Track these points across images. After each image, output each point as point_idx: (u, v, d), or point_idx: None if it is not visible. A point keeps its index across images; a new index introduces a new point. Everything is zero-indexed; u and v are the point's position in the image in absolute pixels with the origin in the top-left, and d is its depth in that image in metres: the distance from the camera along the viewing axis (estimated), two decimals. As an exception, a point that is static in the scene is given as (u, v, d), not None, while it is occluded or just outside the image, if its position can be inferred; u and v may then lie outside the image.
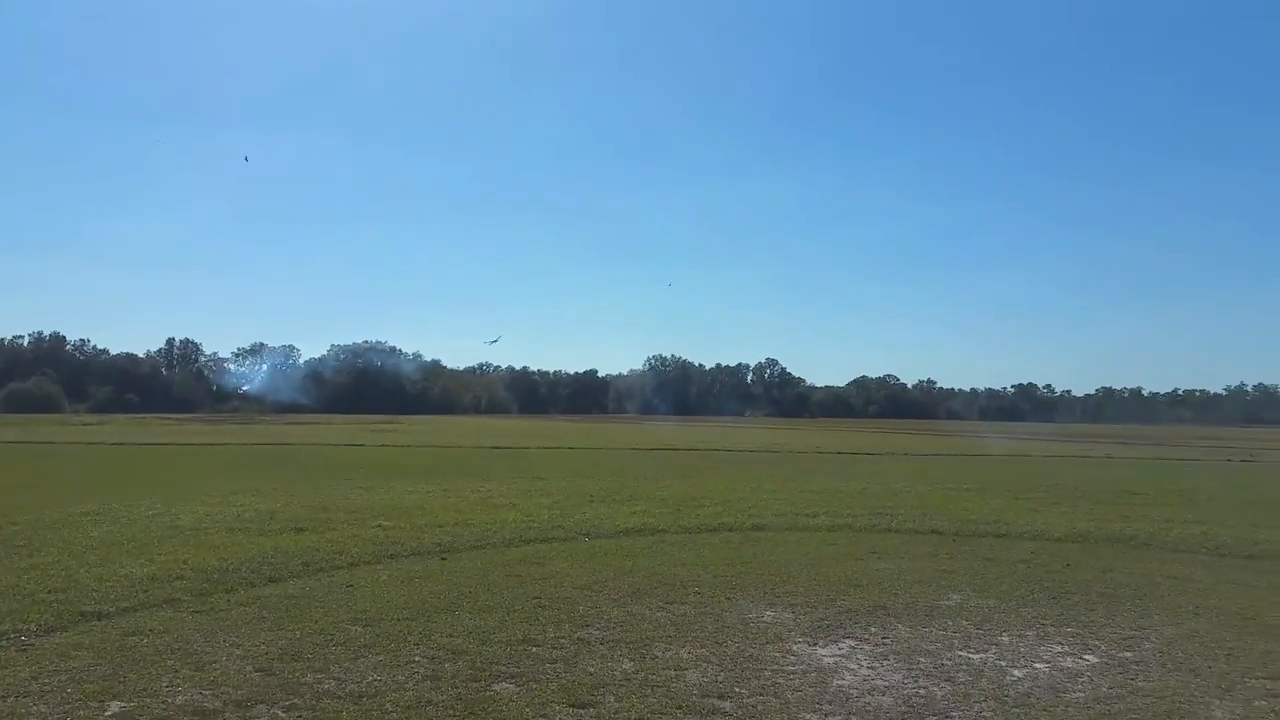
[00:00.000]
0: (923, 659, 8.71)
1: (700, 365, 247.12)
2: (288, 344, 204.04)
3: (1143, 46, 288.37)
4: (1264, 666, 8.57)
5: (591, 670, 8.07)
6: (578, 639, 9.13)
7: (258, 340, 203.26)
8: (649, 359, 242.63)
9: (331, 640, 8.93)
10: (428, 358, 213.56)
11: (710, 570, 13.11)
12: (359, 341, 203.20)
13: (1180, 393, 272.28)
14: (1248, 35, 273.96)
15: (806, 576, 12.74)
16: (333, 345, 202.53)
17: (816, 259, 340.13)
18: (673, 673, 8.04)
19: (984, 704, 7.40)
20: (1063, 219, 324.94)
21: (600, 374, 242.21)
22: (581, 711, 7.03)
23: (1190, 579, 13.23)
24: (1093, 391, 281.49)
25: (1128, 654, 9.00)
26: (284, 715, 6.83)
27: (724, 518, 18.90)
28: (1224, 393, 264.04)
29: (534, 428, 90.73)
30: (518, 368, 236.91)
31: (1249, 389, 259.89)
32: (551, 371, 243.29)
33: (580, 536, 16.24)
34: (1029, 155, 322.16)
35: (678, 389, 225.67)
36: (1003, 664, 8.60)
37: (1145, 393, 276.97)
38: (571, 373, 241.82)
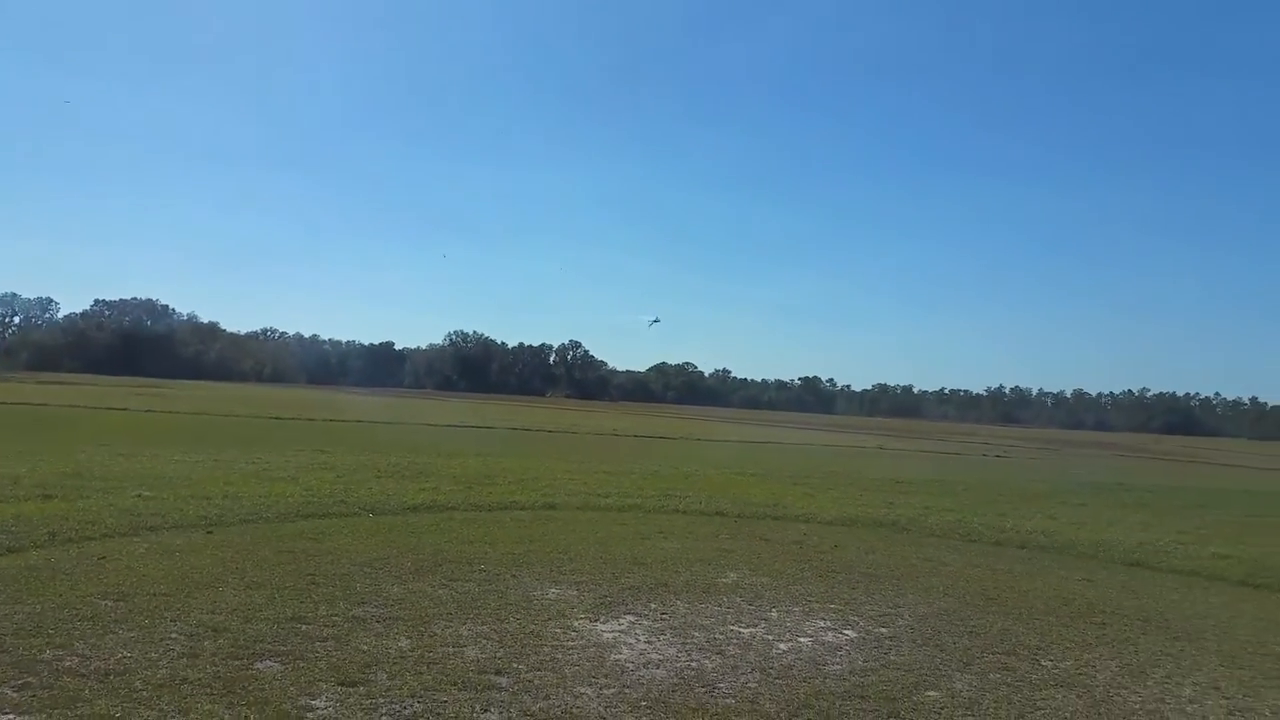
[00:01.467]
0: (697, 633, 8.98)
1: (503, 343, 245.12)
2: (44, 296, 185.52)
3: (893, 59, 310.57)
4: (1001, 642, 9.40)
5: (364, 648, 7.78)
6: (352, 617, 8.78)
7: (9, 290, 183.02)
8: (450, 334, 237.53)
9: (77, 615, 8.16)
10: (204, 319, 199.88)
11: (498, 548, 12.97)
12: (128, 298, 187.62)
13: (946, 391, 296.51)
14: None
15: (593, 555, 12.87)
16: (97, 300, 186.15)
17: (618, 245, 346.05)
18: (451, 649, 7.88)
19: (750, 675, 7.72)
20: (853, 221, 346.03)
21: (398, 347, 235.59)
22: (350, 690, 6.76)
23: (943, 562, 14.37)
24: (869, 387, 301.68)
25: (883, 630, 9.65)
26: (15, 695, 6.16)
27: (516, 496, 18.79)
28: (984, 393, 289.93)
29: (321, 399, 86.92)
30: (306, 335, 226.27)
31: (1006, 390, 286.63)
32: (344, 341, 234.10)
33: (364, 512, 15.67)
34: (820, 161, 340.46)
35: (479, 366, 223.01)
36: (770, 638, 9.01)
37: (916, 390, 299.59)
38: (366, 343, 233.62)
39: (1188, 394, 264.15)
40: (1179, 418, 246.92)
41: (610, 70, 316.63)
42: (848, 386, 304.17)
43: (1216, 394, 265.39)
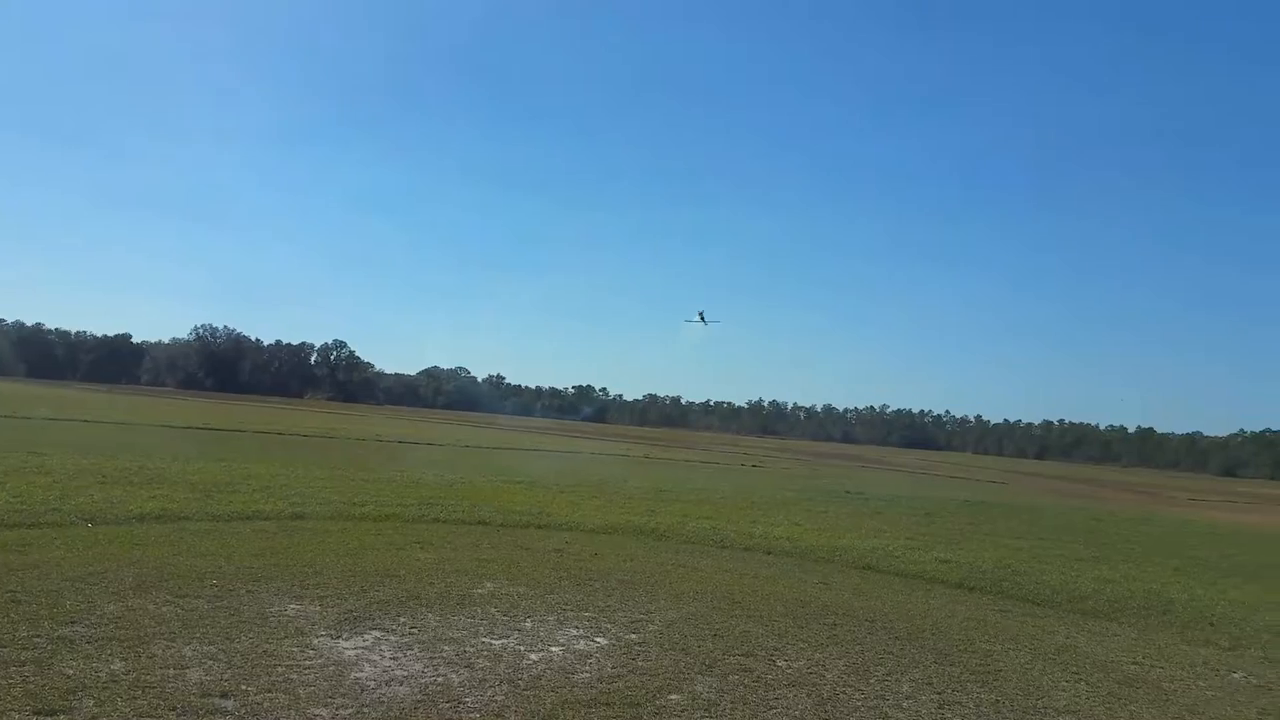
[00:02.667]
0: (447, 647, 8.75)
1: (258, 340, 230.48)
2: None
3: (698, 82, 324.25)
4: (742, 644, 9.82)
5: (69, 672, 6.99)
6: (58, 637, 7.88)
7: None
8: (197, 327, 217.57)
9: None
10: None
11: (235, 561, 12.09)
12: None
13: (711, 403, 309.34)
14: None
15: (342, 567, 12.28)
16: None
17: (391, 243, 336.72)
18: (171, 672, 7.23)
19: (498, 688, 7.61)
20: (634, 229, 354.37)
21: (136, 339, 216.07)
22: (49, 719, 6.06)
23: (696, 567, 14.89)
24: (640, 397, 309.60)
25: (633, 636, 9.82)
26: None
27: (261, 505, 17.66)
28: (746, 406, 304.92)
29: (41, 394, 78.20)
30: (28, 323, 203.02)
31: (765, 404, 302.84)
32: (73, 332, 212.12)
33: (82, 521, 14.18)
34: (605, 166, 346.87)
35: (229, 364, 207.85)
36: (522, 648, 8.93)
37: (684, 401, 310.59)
38: (99, 335, 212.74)
39: (922, 411, 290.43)
40: (915, 433, 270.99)
41: (387, 70, 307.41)
42: (620, 396, 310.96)
43: (947, 411, 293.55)
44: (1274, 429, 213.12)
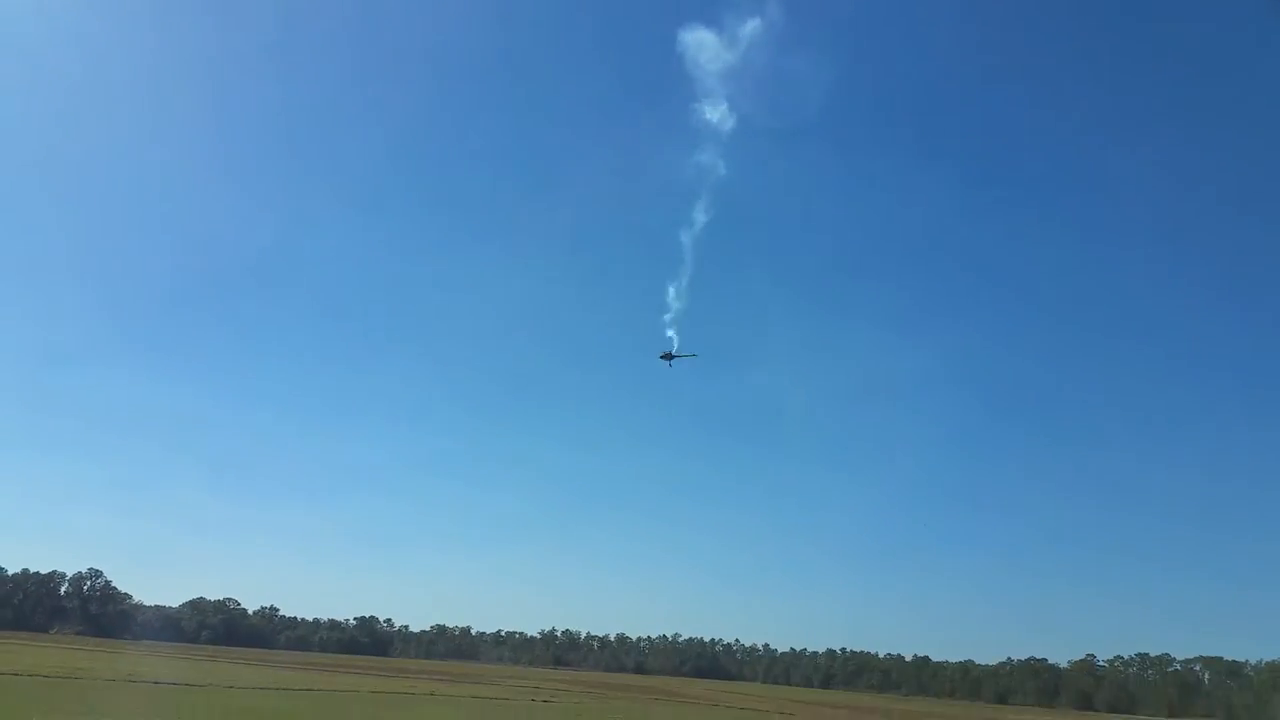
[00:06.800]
0: None
1: (1, 569, 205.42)
2: None
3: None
4: None
5: None
6: None
7: None
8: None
9: None
10: None
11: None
12: None
13: (503, 633, 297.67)
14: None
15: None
16: None
17: (156, 464, 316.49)
18: None
19: None
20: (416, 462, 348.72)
21: None
22: None
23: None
24: (428, 628, 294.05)
25: None
26: None
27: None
28: (538, 636, 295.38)
29: None
30: None
31: (558, 634, 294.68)
32: None
33: None
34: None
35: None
36: None
37: (474, 631, 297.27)
38: None
39: (713, 639, 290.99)
40: (707, 661, 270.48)
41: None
42: (406, 627, 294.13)
43: (736, 640, 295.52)
44: (1038, 657, 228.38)
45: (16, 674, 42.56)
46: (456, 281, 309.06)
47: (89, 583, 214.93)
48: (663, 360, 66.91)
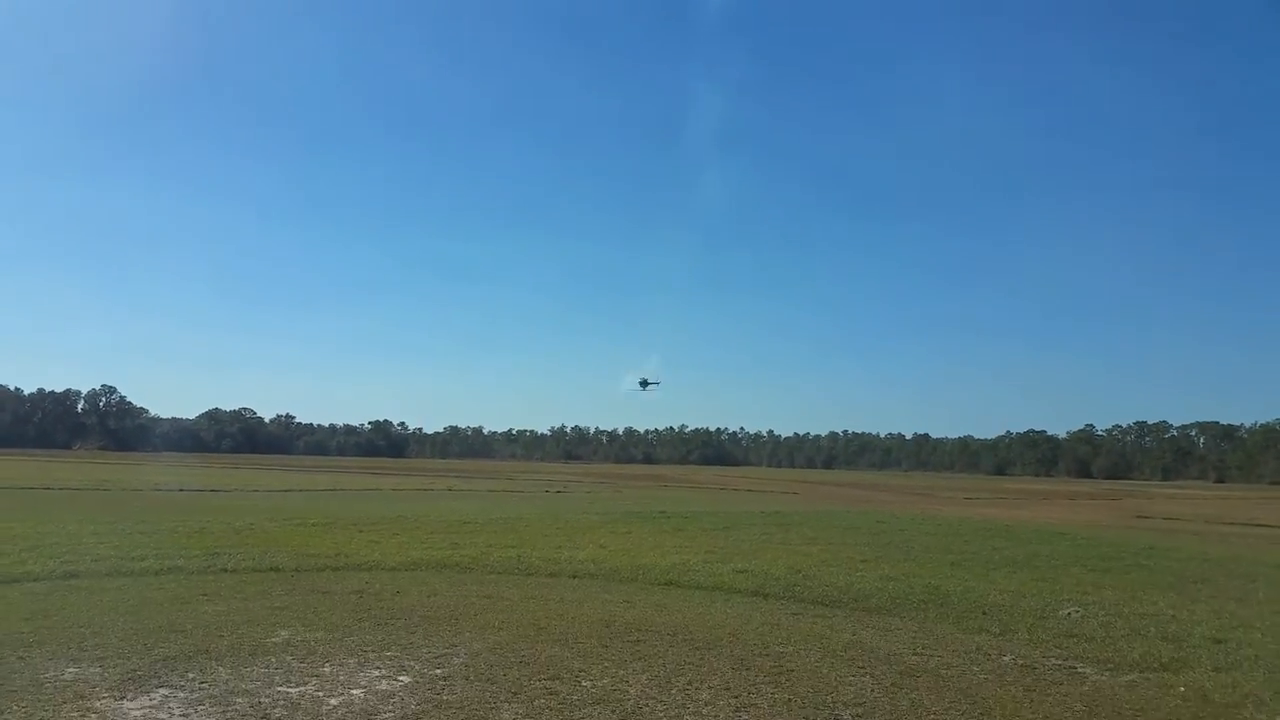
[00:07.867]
0: (240, 700, 8.30)
1: (17, 389, 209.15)
2: None
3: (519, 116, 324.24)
4: (548, 669, 9.85)
5: None
6: None
7: None
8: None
9: None
10: None
11: (1, 627, 11.02)
12: None
13: (514, 432, 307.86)
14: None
15: (122, 626, 11.37)
16: None
17: (162, 272, 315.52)
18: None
19: (295, 739, 7.28)
20: (421, 264, 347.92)
21: None
22: None
23: (501, 597, 14.76)
24: (441, 430, 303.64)
25: (438, 671, 9.65)
26: None
27: (28, 566, 16.10)
28: (549, 433, 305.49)
29: None
30: None
31: (568, 429, 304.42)
32: None
33: None
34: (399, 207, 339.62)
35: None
36: (321, 694, 8.59)
37: (486, 431, 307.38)
38: None
39: (719, 429, 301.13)
40: (712, 450, 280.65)
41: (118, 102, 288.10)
42: (419, 430, 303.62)
43: (741, 428, 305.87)
44: (1036, 430, 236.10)
45: (49, 488, 43.25)
46: (455, 70, 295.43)
47: (104, 399, 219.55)
48: (639, 387, 75.61)
